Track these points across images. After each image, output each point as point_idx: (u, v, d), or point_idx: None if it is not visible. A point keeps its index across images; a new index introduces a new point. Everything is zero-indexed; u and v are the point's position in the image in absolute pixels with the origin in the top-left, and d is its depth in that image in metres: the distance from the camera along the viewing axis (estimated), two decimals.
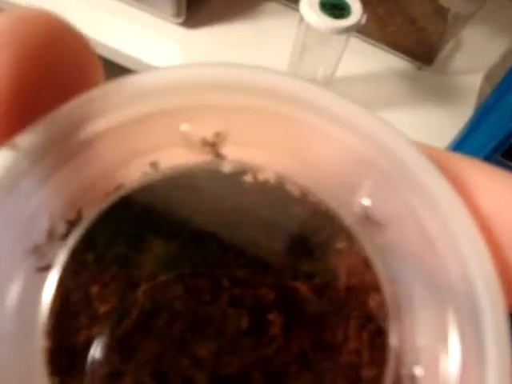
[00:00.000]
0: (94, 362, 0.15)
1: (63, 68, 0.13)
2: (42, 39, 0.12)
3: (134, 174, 0.15)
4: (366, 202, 0.14)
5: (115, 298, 0.15)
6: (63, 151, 0.13)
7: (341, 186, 0.14)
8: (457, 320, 0.13)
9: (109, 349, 0.15)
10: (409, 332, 0.14)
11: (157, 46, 0.66)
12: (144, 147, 0.14)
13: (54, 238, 0.14)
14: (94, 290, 0.15)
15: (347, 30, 0.52)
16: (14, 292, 0.14)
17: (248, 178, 0.16)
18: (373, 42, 0.68)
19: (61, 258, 0.14)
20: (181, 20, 0.66)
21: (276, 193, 0.16)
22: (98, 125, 0.14)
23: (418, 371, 0.13)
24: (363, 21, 0.53)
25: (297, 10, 0.64)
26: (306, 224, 0.16)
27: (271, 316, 0.15)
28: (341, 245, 0.16)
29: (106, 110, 0.14)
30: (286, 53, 0.63)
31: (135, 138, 0.14)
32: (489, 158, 0.51)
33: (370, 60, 0.68)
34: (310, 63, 0.61)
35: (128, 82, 0.14)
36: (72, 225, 0.14)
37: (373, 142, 0.14)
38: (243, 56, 0.66)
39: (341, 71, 0.62)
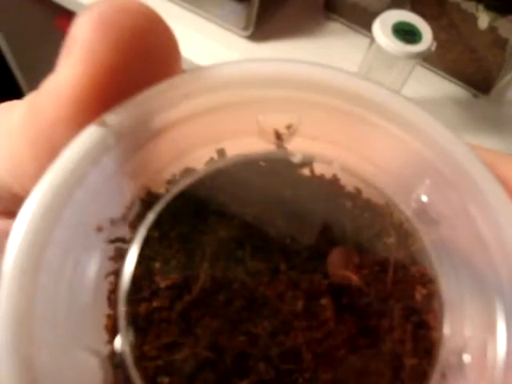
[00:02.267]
0: (152, 332, 0.15)
1: (154, 56, 0.14)
2: (139, 29, 0.13)
3: (202, 158, 0.16)
4: (424, 198, 0.15)
5: (176, 274, 0.16)
6: (145, 133, 0.14)
7: (401, 183, 0.15)
8: (504, 313, 0.14)
9: (168, 321, 0.15)
10: (457, 323, 0.14)
11: (222, 56, 0.68)
12: (218, 136, 0.15)
13: (129, 214, 0.15)
14: (157, 265, 0.16)
15: (417, 56, 0.53)
16: (90, 263, 0.14)
17: (306, 171, 0.17)
18: (432, 68, 0.69)
19: (131, 233, 0.15)
20: (248, 33, 0.68)
21: (331, 187, 0.17)
22: (177, 111, 0.15)
23: (466, 358, 0.14)
24: (433, 48, 0.54)
25: (359, 31, 0.67)
26: (358, 218, 0.17)
27: (324, 301, 0.16)
28: (390, 240, 0.17)
29: (185, 98, 0.14)
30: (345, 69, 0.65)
31: (211, 126, 0.15)
32: None
33: (429, 86, 0.69)
34: (375, 80, 0.62)
35: (209, 71, 0.15)
36: (144, 204, 0.15)
37: (434, 146, 0.15)
38: None
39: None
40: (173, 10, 0.70)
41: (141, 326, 0.15)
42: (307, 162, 0.16)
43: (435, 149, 0.15)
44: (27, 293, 0.12)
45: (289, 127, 0.15)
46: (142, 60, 0.14)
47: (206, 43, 0.68)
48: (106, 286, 0.15)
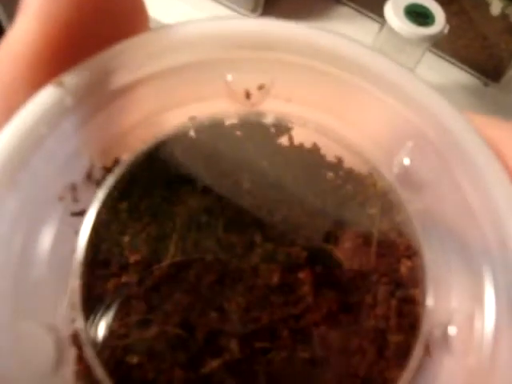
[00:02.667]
0: (121, 309, 0.15)
1: (116, 15, 0.13)
2: None
3: (172, 124, 0.15)
4: (406, 161, 0.14)
5: (146, 248, 0.15)
6: (105, 94, 0.13)
7: (383, 146, 0.14)
8: (492, 284, 0.13)
9: (137, 297, 0.15)
10: (443, 295, 0.13)
11: None
12: (185, 97, 0.14)
13: (90, 181, 0.14)
14: (126, 239, 0.15)
15: (429, 39, 0.53)
16: (48, 233, 0.14)
17: (284, 140, 0.16)
18: (442, 54, 0.68)
19: (95, 204, 0.14)
20: (256, 15, 0.68)
21: (311, 157, 0.16)
22: (141, 71, 0.14)
23: (452, 330, 0.13)
24: (446, 31, 0.53)
25: (369, 16, 0.66)
26: (339, 189, 0.16)
27: (302, 275, 0.15)
28: (373, 211, 0.16)
29: (150, 57, 0.14)
30: None
31: (177, 87, 0.14)
32: None
33: (439, 72, 0.68)
34: None
35: (174, 30, 0.14)
36: (108, 171, 0.15)
37: (418, 108, 0.14)
38: None
39: None
40: None
41: (109, 302, 0.15)
42: (284, 128, 0.15)
43: (419, 110, 0.14)
44: None
45: (260, 88, 0.14)
46: (102, 18, 0.13)
47: None
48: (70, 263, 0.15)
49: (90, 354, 0.13)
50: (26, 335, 0.12)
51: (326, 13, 0.72)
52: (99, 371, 0.12)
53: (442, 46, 0.66)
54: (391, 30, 0.53)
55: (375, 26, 0.63)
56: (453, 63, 0.69)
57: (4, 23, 1.01)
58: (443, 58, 0.69)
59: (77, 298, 0.13)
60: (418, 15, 0.52)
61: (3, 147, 0.12)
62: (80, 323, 0.13)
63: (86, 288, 0.14)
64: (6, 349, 0.11)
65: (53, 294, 0.14)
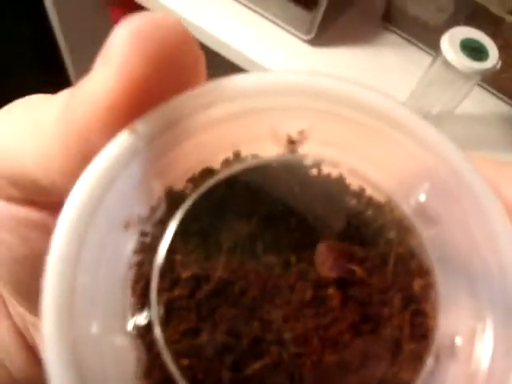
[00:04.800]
0: (174, 319, 0.17)
1: (182, 69, 0.15)
2: (173, 45, 0.15)
3: (219, 159, 0.17)
4: (422, 198, 0.17)
5: (196, 266, 0.17)
6: (170, 138, 0.16)
7: (402, 185, 0.17)
8: (492, 304, 0.16)
9: (188, 309, 0.17)
10: (451, 311, 0.16)
11: (281, 57, 0.71)
12: (235, 140, 0.17)
13: (154, 213, 0.16)
14: (178, 257, 0.17)
15: (482, 73, 0.55)
16: (115, 254, 0.16)
17: (314, 171, 0.19)
18: (486, 86, 0.71)
19: (167, 230, 0.17)
20: (309, 38, 0.70)
21: (336, 185, 0.19)
22: (200, 118, 0.16)
23: (458, 340, 0.16)
24: (498, 66, 0.55)
25: (416, 45, 0.70)
26: (361, 215, 0.19)
27: (330, 291, 0.17)
28: (391, 235, 0.18)
29: (208, 106, 0.16)
30: (400, 83, 0.67)
31: (229, 132, 0.16)
32: None
33: (482, 105, 0.71)
34: (432, 98, 0.64)
35: (228, 82, 0.16)
36: (169, 203, 0.17)
37: (435, 153, 0.16)
38: (360, 80, 0.69)
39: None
40: (238, 9, 0.73)
41: (163, 313, 0.17)
42: (316, 164, 0.18)
43: (435, 156, 0.16)
44: (68, 285, 0.14)
45: (301, 133, 0.17)
46: (172, 73, 0.15)
47: (267, 43, 0.72)
48: (129, 276, 0.17)
49: (168, 360, 0.15)
50: (115, 342, 0.15)
51: (374, 39, 0.75)
52: (175, 371, 0.15)
53: (486, 79, 0.68)
54: (445, 62, 0.56)
55: (421, 55, 0.68)
56: (497, 97, 0.71)
57: (55, 26, 1.02)
58: (486, 90, 0.71)
59: (154, 305, 0.15)
60: (473, 50, 0.55)
61: (84, 188, 0.15)
62: (157, 329, 0.15)
63: (142, 299, 0.16)
64: (100, 355, 0.14)
65: (122, 306, 0.16)
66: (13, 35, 1.06)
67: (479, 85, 0.70)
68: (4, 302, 0.25)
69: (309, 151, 0.17)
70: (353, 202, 0.19)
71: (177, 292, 0.17)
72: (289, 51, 0.72)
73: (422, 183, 0.16)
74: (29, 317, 0.25)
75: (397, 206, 0.18)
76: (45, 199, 0.20)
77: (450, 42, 0.55)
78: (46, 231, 0.20)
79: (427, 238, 0.17)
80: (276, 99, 0.16)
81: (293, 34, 0.72)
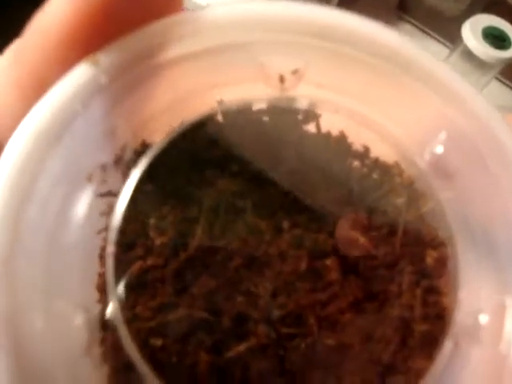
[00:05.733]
0: (146, 292, 0.15)
1: None
2: None
3: (202, 107, 0.15)
4: (439, 150, 0.14)
5: (172, 231, 0.15)
6: (138, 73, 0.13)
7: (415, 136, 0.14)
8: None
9: (163, 281, 0.15)
10: (473, 285, 0.13)
11: None
12: (218, 79, 0.14)
13: (120, 162, 0.14)
14: (152, 221, 0.15)
15: (504, 62, 0.53)
16: (77, 213, 0.14)
17: (311, 127, 0.16)
18: (503, 80, 0.68)
19: (126, 185, 0.14)
20: None
21: (338, 145, 0.16)
22: (173, 51, 0.14)
23: (483, 319, 0.13)
24: None
25: (430, 35, 0.68)
26: (366, 178, 0.16)
27: (329, 262, 0.15)
28: (399, 200, 0.16)
29: (184, 38, 0.13)
30: None
31: (210, 69, 0.14)
32: None
33: (497, 96, 0.69)
34: None
35: (209, 11, 0.14)
36: (137, 154, 0.14)
37: (453, 99, 0.14)
38: None
39: None
40: None
41: (134, 285, 0.15)
42: (312, 115, 0.15)
43: (453, 101, 0.14)
44: (6, 242, 0.11)
45: (294, 72, 0.14)
46: None
47: None
48: (97, 243, 0.14)
49: (124, 334, 0.13)
50: (59, 315, 0.12)
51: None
52: (132, 352, 0.12)
53: (503, 71, 0.66)
54: (465, 51, 0.54)
55: (435, 46, 0.65)
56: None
57: None
58: (504, 84, 0.69)
59: (110, 279, 0.13)
60: (495, 38, 0.53)
61: (36, 123, 0.12)
62: (114, 305, 0.13)
63: (114, 270, 0.14)
64: (41, 328, 0.11)
65: (81, 276, 0.14)
66: None
67: (496, 78, 0.68)
68: None
69: (303, 94, 0.14)
70: (356, 163, 0.16)
71: (150, 261, 0.15)
72: None
73: (439, 132, 0.14)
74: None
75: (408, 164, 0.15)
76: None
77: (472, 29, 0.53)
78: None
79: (444, 200, 0.14)
80: (265, 32, 0.14)
81: None
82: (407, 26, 0.71)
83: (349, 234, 0.15)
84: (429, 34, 0.71)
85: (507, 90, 0.69)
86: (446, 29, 0.67)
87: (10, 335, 0.11)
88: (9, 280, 0.11)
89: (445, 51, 0.68)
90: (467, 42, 0.53)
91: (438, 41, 0.70)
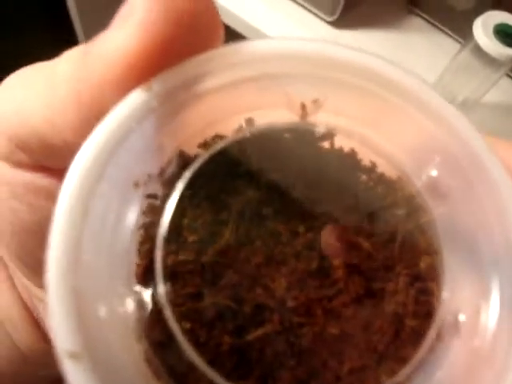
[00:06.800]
0: (178, 282, 0.17)
1: (201, 30, 0.15)
2: (191, 4, 0.14)
3: (232, 126, 0.17)
4: (434, 173, 0.16)
5: (203, 231, 0.17)
6: (184, 98, 0.16)
7: (414, 159, 0.17)
8: (498, 282, 0.15)
9: (192, 273, 0.17)
10: (456, 288, 0.16)
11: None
12: (248, 105, 0.17)
13: (164, 173, 0.16)
14: (185, 221, 0.17)
15: None
16: (128, 213, 0.16)
17: (326, 144, 0.18)
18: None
19: (163, 191, 0.17)
20: (333, 19, 0.69)
21: (348, 160, 0.19)
22: (214, 80, 0.16)
23: (462, 317, 0.16)
24: None
25: (440, 29, 0.68)
26: (372, 190, 0.18)
27: (336, 262, 0.17)
28: (400, 212, 0.18)
29: (223, 69, 0.16)
30: (425, 69, 0.66)
31: (244, 96, 0.16)
32: None
33: (507, 93, 0.69)
34: (458, 85, 0.62)
35: (247, 46, 0.16)
36: (179, 164, 0.17)
37: (446, 128, 0.16)
38: None
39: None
40: None
41: (167, 276, 0.17)
42: (329, 135, 0.17)
43: (447, 130, 0.16)
44: (75, 235, 0.14)
45: (315, 102, 0.16)
46: (191, 34, 0.15)
47: (289, 23, 0.70)
48: (136, 238, 0.17)
49: (167, 314, 0.15)
50: (117, 299, 0.15)
51: (398, 23, 0.73)
52: (175, 329, 0.15)
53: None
54: (476, 48, 0.54)
55: (445, 40, 0.66)
56: None
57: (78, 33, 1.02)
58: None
59: (159, 266, 0.15)
60: (507, 36, 0.53)
61: (96, 142, 0.15)
62: (160, 288, 0.15)
63: (148, 261, 0.16)
64: (102, 303, 0.14)
65: (127, 266, 0.16)
66: None
67: (506, 74, 0.68)
68: (9, 274, 0.25)
69: (322, 120, 0.17)
70: (363, 177, 0.19)
71: (182, 256, 0.17)
72: (311, 32, 0.70)
73: (434, 158, 0.16)
74: (34, 289, 0.24)
75: (408, 182, 0.17)
76: (54, 163, 0.19)
77: (483, 26, 0.53)
78: (55, 198, 0.20)
79: (437, 215, 0.17)
80: (291, 66, 0.16)
81: (316, 15, 0.71)
82: (418, 20, 0.72)
83: (353, 239, 0.18)
84: (440, 29, 0.71)
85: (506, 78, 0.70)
86: (456, 23, 0.67)
87: (79, 309, 0.13)
88: (76, 268, 0.14)
89: (455, 46, 0.68)
90: (478, 40, 0.53)
91: (449, 35, 0.71)
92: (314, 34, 0.70)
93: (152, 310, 0.15)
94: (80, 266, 0.14)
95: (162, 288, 0.15)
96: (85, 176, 0.14)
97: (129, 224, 0.16)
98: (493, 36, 0.53)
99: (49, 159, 0.19)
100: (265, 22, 0.69)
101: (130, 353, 0.15)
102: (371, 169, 0.18)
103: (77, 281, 0.14)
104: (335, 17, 0.69)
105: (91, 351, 0.13)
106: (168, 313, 0.15)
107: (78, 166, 0.14)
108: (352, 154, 0.18)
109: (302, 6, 0.71)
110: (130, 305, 0.15)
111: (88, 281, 0.14)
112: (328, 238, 0.18)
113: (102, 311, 0.14)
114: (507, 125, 0.68)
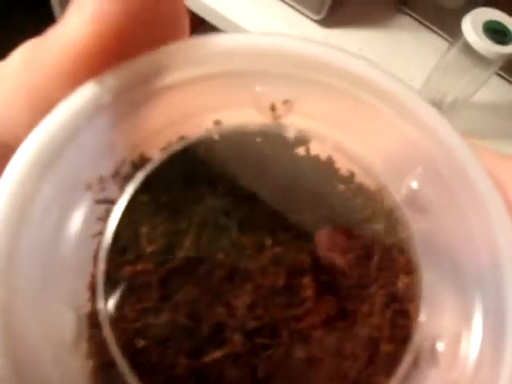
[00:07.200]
0: (133, 295, 0.16)
1: (161, 22, 0.14)
2: None
3: (198, 128, 0.16)
4: (414, 185, 0.15)
5: (162, 240, 0.16)
6: (140, 94, 0.14)
7: (393, 168, 0.15)
8: (481, 307, 0.14)
9: (149, 286, 0.16)
10: (435, 312, 0.14)
11: None
12: (214, 103, 0.15)
13: (118, 175, 0.15)
14: (144, 230, 0.16)
15: (505, 57, 0.52)
16: (75, 219, 0.15)
17: (301, 150, 0.17)
18: (502, 73, 0.68)
19: (123, 195, 0.15)
20: (319, 17, 0.68)
21: (325, 169, 0.17)
22: (175, 76, 0.15)
23: (440, 346, 0.14)
24: None
25: (429, 28, 0.67)
26: (349, 202, 0.17)
27: (305, 280, 0.16)
28: (379, 226, 0.17)
29: (187, 63, 0.14)
30: (414, 68, 0.65)
31: (208, 94, 0.15)
32: None
33: (498, 92, 0.68)
34: (448, 84, 0.61)
35: (210, 40, 0.14)
36: (135, 167, 0.15)
37: (430, 135, 0.14)
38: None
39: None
40: None
41: (123, 288, 0.16)
42: (302, 140, 0.16)
43: (431, 138, 0.15)
44: (10, 241, 0.13)
45: (285, 102, 0.15)
46: (149, 25, 0.14)
47: (274, 21, 0.69)
48: (92, 246, 0.15)
49: (106, 332, 0.14)
50: (52, 311, 0.13)
51: (387, 22, 0.72)
52: (113, 350, 0.13)
53: (504, 67, 0.66)
54: (466, 45, 0.53)
55: (434, 39, 0.65)
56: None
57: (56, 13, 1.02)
58: (505, 79, 0.69)
59: (100, 280, 0.14)
60: (496, 33, 0.52)
61: (41, 136, 0.13)
62: (100, 304, 0.14)
63: (105, 272, 0.15)
64: (34, 320, 0.13)
65: (74, 276, 0.15)
66: None
67: (496, 73, 0.67)
68: None
69: (293, 124, 0.15)
70: (341, 187, 0.17)
71: (139, 266, 0.16)
72: (297, 31, 0.69)
73: (415, 168, 0.15)
74: None
75: (388, 194, 0.16)
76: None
77: (473, 23, 0.51)
78: None
79: (417, 230, 0.15)
80: (260, 63, 0.15)
81: (302, 13, 0.69)
82: (407, 19, 0.71)
83: (327, 253, 0.16)
84: (429, 28, 0.70)
85: (507, 85, 0.69)
86: (445, 22, 0.66)
87: (5, 328, 0.12)
88: (9, 279, 0.12)
89: (445, 44, 0.67)
90: (467, 37, 0.52)
91: (438, 34, 0.70)
92: (301, 33, 0.69)
93: (97, 328, 0.14)
94: (14, 279, 0.12)
95: (101, 304, 0.14)
96: (24, 176, 0.13)
97: (76, 230, 0.14)
98: (482, 33, 0.52)
99: (3, 159, 0.18)
100: (251, 21, 0.67)
101: (65, 373, 0.13)
102: (349, 178, 0.17)
103: (9, 294, 0.12)
104: (322, 15, 0.67)
105: (18, 373, 0.12)
106: (106, 331, 0.14)
107: (16, 167, 0.13)
108: (329, 162, 0.17)
109: (289, 4, 0.69)
110: (68, 321, 0.14)
111: (21, 294, 0.13)
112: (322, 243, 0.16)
113: (34, 327, 0.13)
114: (497, 124, 0.66)
